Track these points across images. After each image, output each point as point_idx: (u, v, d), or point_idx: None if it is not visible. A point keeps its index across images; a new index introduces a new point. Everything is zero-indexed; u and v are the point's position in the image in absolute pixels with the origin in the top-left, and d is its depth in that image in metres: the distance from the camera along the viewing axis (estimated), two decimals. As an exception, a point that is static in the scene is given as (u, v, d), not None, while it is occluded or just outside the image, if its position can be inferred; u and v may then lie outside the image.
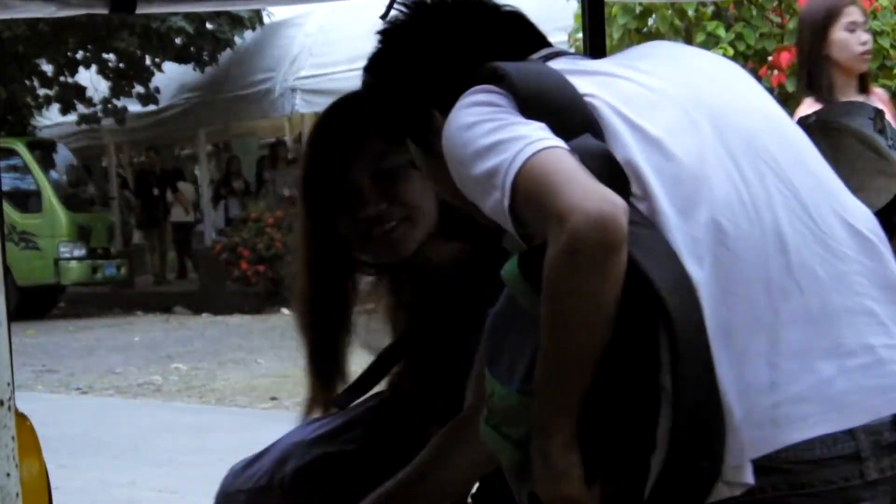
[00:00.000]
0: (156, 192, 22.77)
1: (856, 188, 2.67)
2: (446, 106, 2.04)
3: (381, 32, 2.25)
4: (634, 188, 1.89)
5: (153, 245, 23.00)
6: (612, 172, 1.87)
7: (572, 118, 1.94)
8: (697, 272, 1.85)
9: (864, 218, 2.06)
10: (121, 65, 21.07)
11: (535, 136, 1.88)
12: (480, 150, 1.92)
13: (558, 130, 1.90)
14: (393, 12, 2.25)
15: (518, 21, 2.20)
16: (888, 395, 1.94)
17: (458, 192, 2.04)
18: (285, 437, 2.76)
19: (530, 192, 1.84)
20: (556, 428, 1.86)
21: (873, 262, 2.00)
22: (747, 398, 1.86)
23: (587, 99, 1.97)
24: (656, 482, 1.82)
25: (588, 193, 1.79)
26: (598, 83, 2.01)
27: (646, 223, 1.87)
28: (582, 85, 1.99)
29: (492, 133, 1.92)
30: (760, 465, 1.87)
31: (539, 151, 1.86)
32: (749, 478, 1.86)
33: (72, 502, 6.77)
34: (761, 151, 2.00)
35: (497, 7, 2.21)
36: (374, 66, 2.25)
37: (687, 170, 1.93)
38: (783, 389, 1.88)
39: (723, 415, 1.84)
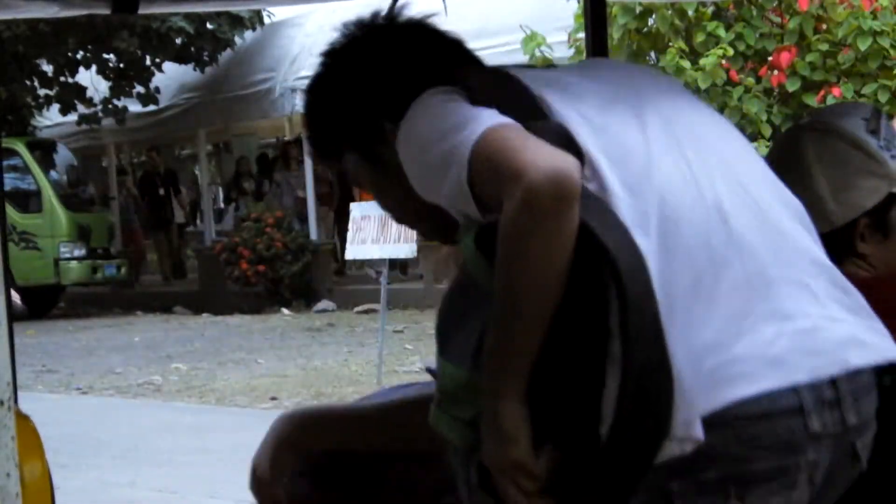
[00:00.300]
0: (161, 192, 22.77)
1: (842, 188, 2.67)
2: (396, 117, 2.13)
3: (326, 54, 2.33)
4: (584, 170, 1.98)
5: (161, 246, 22.98)
6: (568, 146, 1.95)
7: (524, 109, 2.04)
8: (644, 242, 1.94)
9: (796, 203, 2.19)
10: (121, 65, 21.07)
11: (491, 115, 1.99)
12: (438, 134, 2.01)
13: (511, 117, 2.01)
14: (336, 35, 2.33)
15: (461, 47, 2.30)
16: (826, 358, 2.02)
17: (405, 200, 2.17)
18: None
19: (487, 159, 1.93)
20: (506, 391, 1.90)
21: (805, 241, 2.13)
22: (693, 359, 1.93)
23: (535, 92, 2.08)
24: (605, 444, 1.87)
25: (542, 152, 1.89)
26: (545, 79, 2.13)
27: (595, 197, 1.97)
28: (531, 81, 2.11)
29: (449, 117, 2.02)
30: (709, 422, 1.93)
31: (494, 126, 1.96)
32: (698, 433, 1.91)
33: (72, 502, 6.77)
34: (702, 138, 2.14)
35: (441, 33, 2.30)
36: (320, 84, 2.32)
37: (633, 153, 2.04)
38: (726, 350, 1.96)
39: (671, 375, 1.89)
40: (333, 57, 2.32)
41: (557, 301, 1.87)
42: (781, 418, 1.98)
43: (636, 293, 1.86)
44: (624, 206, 1.98)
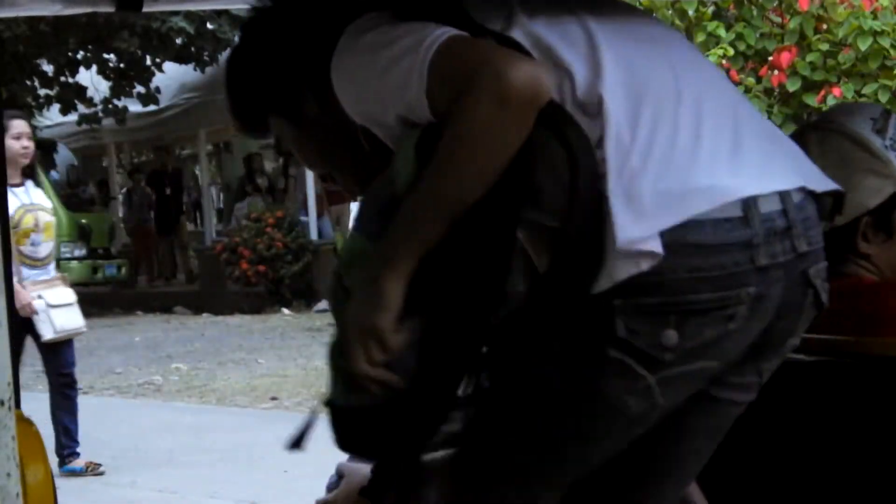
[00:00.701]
0: (168, 190, 22.74)
1: (845, 186, 2.67)
2: (315, 72, 2.21)
3: (241, 28, 2.40)
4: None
5: (171, 246, 22.93)
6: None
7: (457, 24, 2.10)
8: (611, 73, 2.08)
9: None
10: (121, 65, 21.06)
11: (444, 27, 2.05)
12: (386, 43, 2.08)
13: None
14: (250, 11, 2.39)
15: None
16: (774, 178, 2.12)
17: (330, 155, 2.28)
18: None
19: (455, 58, 2.00)
20: (396, 264, 1.99)
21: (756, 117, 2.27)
22: (653, 177, 2.03)
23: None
24: (549, 269, 2.03)
25: (516, 57, 2.00)
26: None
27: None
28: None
29: (394, 30, 2.09)
30: (663, 245, 2.00)
31: (453, 34, 2.03)
32: (656, 247, 1.99)
33: (72, 502, 6.77)
34: (653, 43, 2.24)
35: None
36: (237, 57, 2.39)
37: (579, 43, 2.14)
38: (686, 171, 2.06)
39: (607, 196, 2.01)
40: (247, 29, 2.38)
41: (479, 196, 1.98)
42: (729, 251, 2.05)
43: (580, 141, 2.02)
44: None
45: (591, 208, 2.01)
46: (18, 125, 7.97)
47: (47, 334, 7.86)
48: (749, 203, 2.07)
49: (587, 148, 2.03)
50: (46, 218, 8.08)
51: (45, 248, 8.04)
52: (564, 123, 2.03)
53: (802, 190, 2.17)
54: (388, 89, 2.07)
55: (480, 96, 1.95)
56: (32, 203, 8.01)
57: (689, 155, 2.08)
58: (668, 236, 2.01)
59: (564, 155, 2.01)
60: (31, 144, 8.00)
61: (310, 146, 2.36)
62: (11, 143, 7.86)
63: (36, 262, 7.98)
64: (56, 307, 7.89)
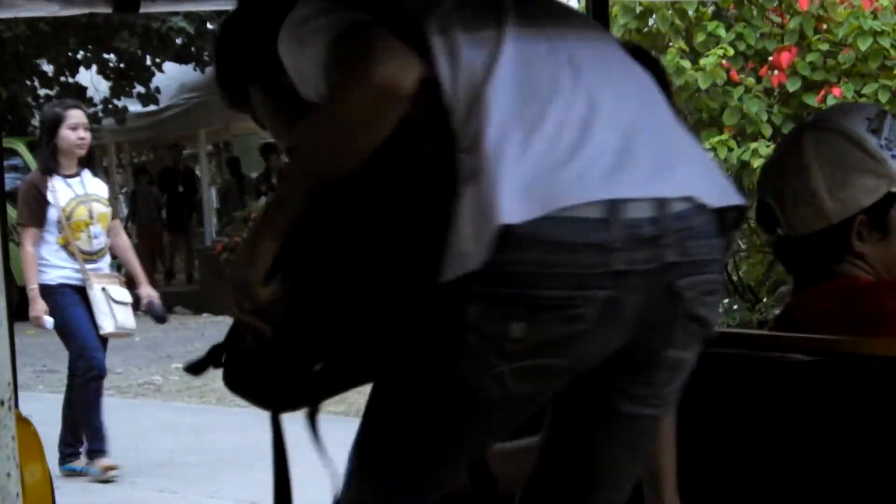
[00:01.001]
0: (181, 189, 22.70)
1: (839, 185, 2.68)
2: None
3: (235, 4, 2.55)
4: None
5: (188, 245, 22.88)
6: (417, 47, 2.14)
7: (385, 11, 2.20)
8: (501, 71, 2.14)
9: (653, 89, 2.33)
10: (121, 65, 21.06)
11: (354, 14, 2.18)
12: (303, 17, 2.22)
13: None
14: None
15: None
16: (644, 184, 2.11)
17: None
18: None
19: (343, 46, 2.13)
20: (269, 224, 2.18)
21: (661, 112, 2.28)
22: (527, 169, 2.08)
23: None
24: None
25: (389, 55, 2.09)
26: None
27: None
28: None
29: (314, 6, 2.24)
30: (520, 239, 2.03)
31: (352, 22, 2.15)
32: (510, 239, 2.03)
33: (72, 502, 6.77)
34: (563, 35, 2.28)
35: None
36: (225, 29, 2.56)
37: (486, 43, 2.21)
38: (553, 166, 2.09)
39: None
40: (238, 3, 2.54)
41: (340, 174, 2.15)
42: (585, 251, 2.06)
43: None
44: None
45: (448, 196, 2.08)
46: (75, 115, 7.89)
47: (108, 328, 7.82)
48: (614, 206, 2.07)
49: (447, 138, 2.11)
50: (101, 209, 7.94)
51: (100, 240, 7.91)
52: (432, 116, 2.11)
53: (689, 200, 2.15)
54: (305, 68, 2.21)
55: (346, 85, 2.09)
56: (87, 194, 7.88)
57: (568, 154, 2.09)
58: (527, 228, 2.04)
59: (428, 143, 2.12)
60: (87, 135, 7.92)
61: (281, 118, 2.46)
62: (68, 134, 7.81)
63: (90, 256, 7.86)
64: (118, 303, 7.84)
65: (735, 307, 10.01)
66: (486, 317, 2.08)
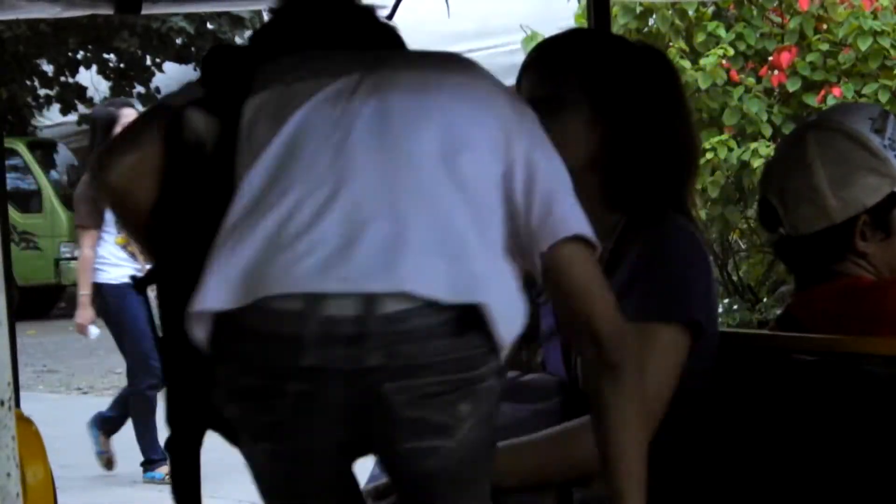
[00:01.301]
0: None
1: (842, 184, 2.68)
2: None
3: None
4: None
5: None
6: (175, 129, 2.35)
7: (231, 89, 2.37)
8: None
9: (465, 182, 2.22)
10: (121, 65, 21.06)
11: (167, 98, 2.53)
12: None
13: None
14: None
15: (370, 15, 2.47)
16: (388, 282, 2.05)
17: None
18: None
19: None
20: None
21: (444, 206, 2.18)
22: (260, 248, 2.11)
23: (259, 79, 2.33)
24: None
25: (118, 152, 2.37)
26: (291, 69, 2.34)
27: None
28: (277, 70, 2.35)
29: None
30: (223, 324, 2.10)
31: (148, 111, 2.55)
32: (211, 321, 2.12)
33: (72, 502, 6.77)
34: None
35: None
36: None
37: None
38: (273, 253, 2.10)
39: None
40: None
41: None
42: (277, 343, 2.06)
43: None
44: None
45: (188, 270, 2.17)
46: (129, 114, 7.60)
47: None
48: (313, 300, 2.04)
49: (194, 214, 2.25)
50: None
51: None
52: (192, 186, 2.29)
53: (410, 298, 2.03)
54: None
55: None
56: None
57: (291, 239, 2.08)
58: (237, 315, 2.09)
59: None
60: None
61: None
62: None
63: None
64: None
65: (735, 307, 10.01)
66: (226, 399, 2.19)
